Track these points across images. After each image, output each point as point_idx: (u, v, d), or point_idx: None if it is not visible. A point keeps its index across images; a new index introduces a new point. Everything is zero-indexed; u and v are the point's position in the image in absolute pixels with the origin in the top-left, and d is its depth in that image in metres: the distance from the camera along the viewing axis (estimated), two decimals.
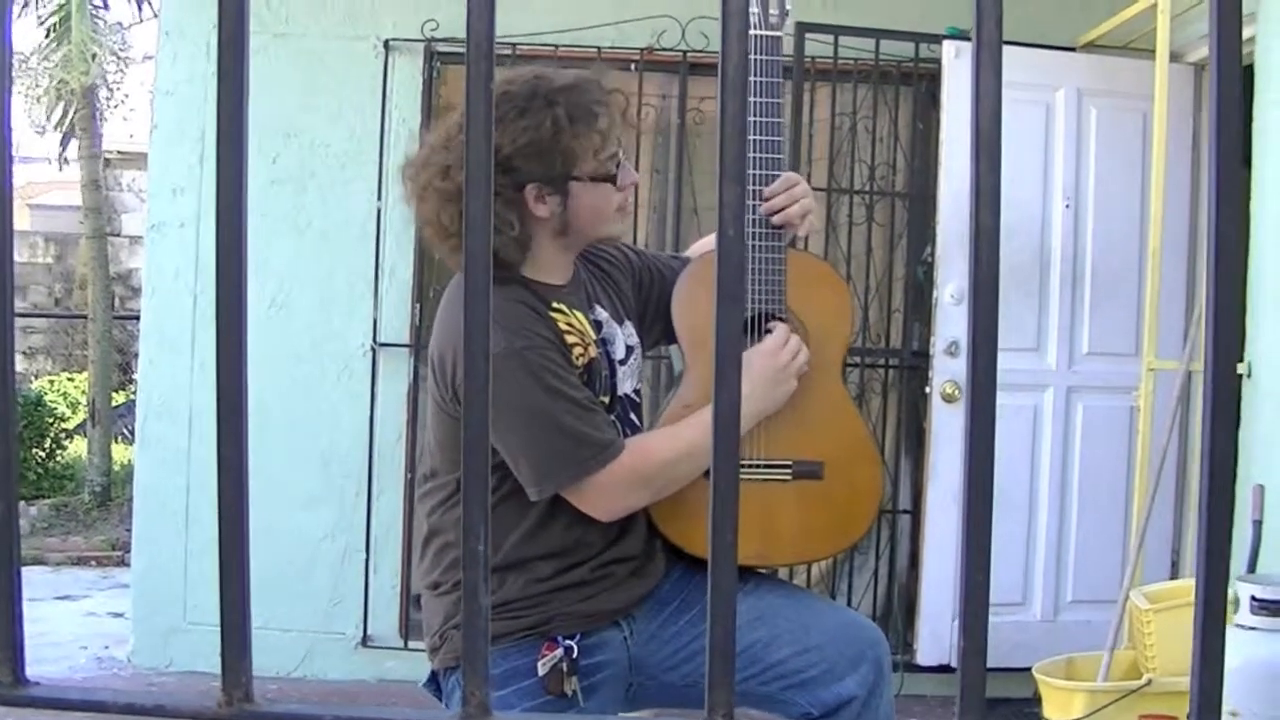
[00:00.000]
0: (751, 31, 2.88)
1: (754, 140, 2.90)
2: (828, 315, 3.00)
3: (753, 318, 2.88)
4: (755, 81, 2.89)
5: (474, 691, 0.91)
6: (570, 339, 2.77)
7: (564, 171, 2.73)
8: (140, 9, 13.00)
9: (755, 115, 2.89)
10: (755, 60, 2.90)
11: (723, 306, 0.89)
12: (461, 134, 2.74)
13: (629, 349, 2.96)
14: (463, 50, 0.92)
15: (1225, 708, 3.46)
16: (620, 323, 2.96)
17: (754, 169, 2.89)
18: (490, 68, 0.90)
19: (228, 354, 0.93)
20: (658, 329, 3.11)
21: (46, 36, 12.31)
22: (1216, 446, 0.93)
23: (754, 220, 2.88)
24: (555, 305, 2.78)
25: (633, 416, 2.94)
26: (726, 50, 0.89)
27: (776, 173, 2.91)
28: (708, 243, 3.36)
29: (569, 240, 2.85)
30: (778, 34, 2.92)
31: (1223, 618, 0.98)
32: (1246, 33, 4.80)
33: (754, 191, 2.88)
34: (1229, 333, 0.94)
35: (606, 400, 2.84)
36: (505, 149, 2.64)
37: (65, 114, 12.78)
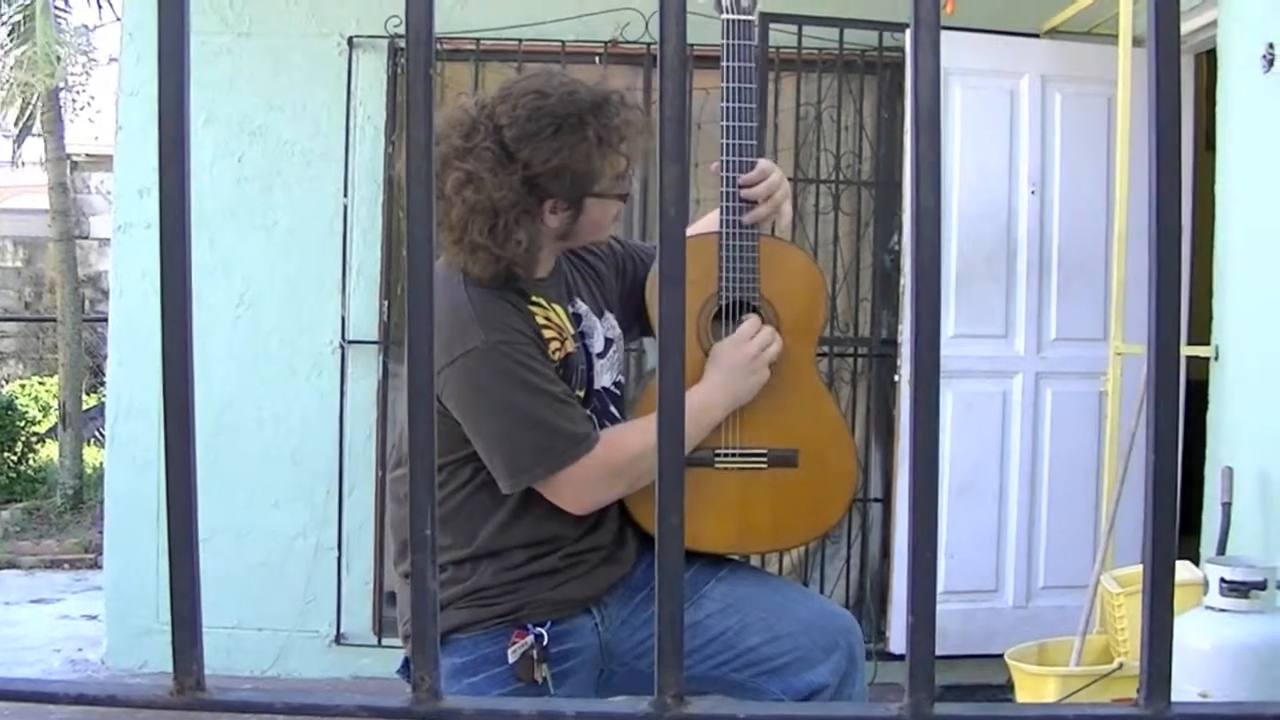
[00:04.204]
0: (722, 16, 2.85)
1: (726, 126, 2.85)
2: (802, 303, 2.96)
3: (727, 306, 2.86)
4: (726, 67, 2.84)
5: (423, 676, 0.91)
6: (548, 333, 2.76)
7: (585, 189, 2.74)
8: (99, 9, 12.98)
9: (727, 101, 2.83)
10: (726, 45, 2.85)
11: (665, 289, 0.89)
12: (477, 137, 2.74)
13: (608, 341, 2.95)
14: None
15: (1196, 689, 3.47)
16: (600, 315, 2.96)
17: (727, 155, 2.84)
18: (429, 54, 0.90)
19: (172, 340, 0.92)
20: (640, 319, 3.10)
21: (9, 37, 12.25)
22: (1160, 425, 0.94)
23: (728, 209, 2.85)
24: (534, 299, 2.78)
25: (613, 409, 2.93)
26: (664, 31, 0.89)
27: (751, 160, 2.86)
28: (698, 226, 3.29)
29: (565, 243, 2.88)
30: (749, 18, 2.85)
31: (1171, 594, 0.98)
32: (1209, 17, 4.82)
33: (728, 179, 2.85)
34: (1171, 312, 0.95)
35: (583, 394, 2.83)
36: (536, 167, 2.66)
37: (21, 114, 12.72)
